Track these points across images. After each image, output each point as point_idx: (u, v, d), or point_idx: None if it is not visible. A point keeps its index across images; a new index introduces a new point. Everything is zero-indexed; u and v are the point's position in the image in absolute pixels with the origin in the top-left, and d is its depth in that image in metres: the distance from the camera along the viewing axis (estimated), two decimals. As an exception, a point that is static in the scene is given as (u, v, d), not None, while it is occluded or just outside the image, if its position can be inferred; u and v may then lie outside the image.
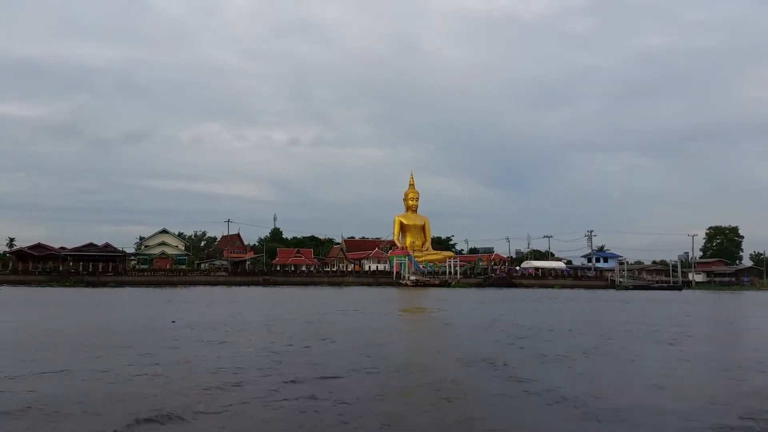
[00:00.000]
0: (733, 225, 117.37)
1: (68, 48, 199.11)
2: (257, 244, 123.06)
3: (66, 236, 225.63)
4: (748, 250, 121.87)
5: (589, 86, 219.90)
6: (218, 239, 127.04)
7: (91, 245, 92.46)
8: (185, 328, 20.53)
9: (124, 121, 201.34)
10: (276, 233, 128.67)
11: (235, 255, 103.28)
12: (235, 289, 64.92)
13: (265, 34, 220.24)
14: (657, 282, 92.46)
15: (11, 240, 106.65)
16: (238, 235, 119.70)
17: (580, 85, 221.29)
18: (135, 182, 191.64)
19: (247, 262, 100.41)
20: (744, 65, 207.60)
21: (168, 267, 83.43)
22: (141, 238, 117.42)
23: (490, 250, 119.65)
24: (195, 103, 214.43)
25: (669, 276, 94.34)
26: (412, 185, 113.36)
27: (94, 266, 77.73)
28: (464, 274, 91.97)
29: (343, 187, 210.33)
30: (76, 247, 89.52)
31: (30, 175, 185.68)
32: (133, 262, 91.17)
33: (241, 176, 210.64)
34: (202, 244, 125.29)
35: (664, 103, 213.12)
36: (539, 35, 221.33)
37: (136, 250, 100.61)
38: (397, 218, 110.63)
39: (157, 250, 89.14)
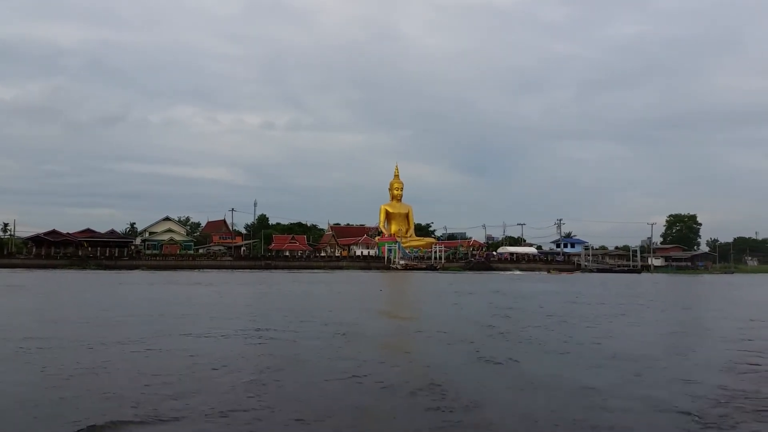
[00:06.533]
0: (693, 213, 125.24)
1: (40, 29, 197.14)
2: (245, 230, 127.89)
3: (33, 219, 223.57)
4: (706, 236, 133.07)
5: (564, 74, 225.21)
6: (202, 225, 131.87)
7: (88, 230, 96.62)
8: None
9: (98, 103, 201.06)
10: (263, 219, 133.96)
11: (226, 241, 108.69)
12: (255, 273, 71.01)
13: (240, 17, 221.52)
14: (618, 266, 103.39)
15: (5, 225, 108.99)
16: (224, 221, 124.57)
17: (554, 74, 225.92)
18: (106, 165, 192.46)
19: (243, 248, 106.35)
20: (715, 55, 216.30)
21: (177, 252, 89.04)
22: (132, 224, 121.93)
23: (463, 236, 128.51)
24: (168, 85, 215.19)
25: (630, 260, 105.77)
26: (397, 176, 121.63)
27: (110, 251, 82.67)
28: (447, 258, 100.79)
29: (320, 172, 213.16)
30: (79, 231, 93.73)
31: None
32: (133, 248, 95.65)
33: (214, 160, 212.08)
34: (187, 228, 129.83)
35: (637, 92, 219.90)
36: (514, 23, 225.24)
37: (123, 233, 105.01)
38: (383, 207, 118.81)
39: (165, 237, 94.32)
